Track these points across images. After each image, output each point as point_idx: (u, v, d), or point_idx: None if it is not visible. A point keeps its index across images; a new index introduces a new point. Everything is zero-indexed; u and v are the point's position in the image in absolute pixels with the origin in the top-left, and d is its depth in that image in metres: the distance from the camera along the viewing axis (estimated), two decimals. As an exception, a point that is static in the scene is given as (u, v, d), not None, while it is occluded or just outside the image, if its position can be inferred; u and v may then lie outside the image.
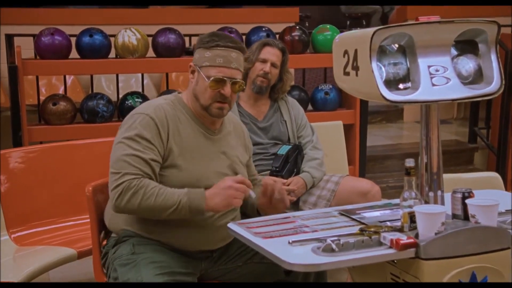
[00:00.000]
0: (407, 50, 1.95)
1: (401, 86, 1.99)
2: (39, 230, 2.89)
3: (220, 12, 5.41)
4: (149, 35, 3.99)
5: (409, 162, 1.95)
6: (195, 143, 2.20)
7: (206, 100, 2.19)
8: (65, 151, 3.10)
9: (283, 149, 3.09)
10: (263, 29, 4.17)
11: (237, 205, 2.07)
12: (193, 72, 2.23)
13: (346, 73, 2.02)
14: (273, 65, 3.14)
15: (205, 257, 2.25)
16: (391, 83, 1.95)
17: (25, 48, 3.97)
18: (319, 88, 4.26)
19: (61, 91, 4.50)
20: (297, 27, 4.27)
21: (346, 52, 2.00)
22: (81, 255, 2.71)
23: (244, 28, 4.26)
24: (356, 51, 1.94)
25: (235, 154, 2.32)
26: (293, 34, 4.18)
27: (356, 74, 1.96)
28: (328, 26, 4.24)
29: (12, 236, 2.83)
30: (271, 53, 3.14)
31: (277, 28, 4.28)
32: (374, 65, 1.86)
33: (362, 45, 1.90)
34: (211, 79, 2.15)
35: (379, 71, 1.93)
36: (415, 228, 1.88)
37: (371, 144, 4.99)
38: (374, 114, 6.04)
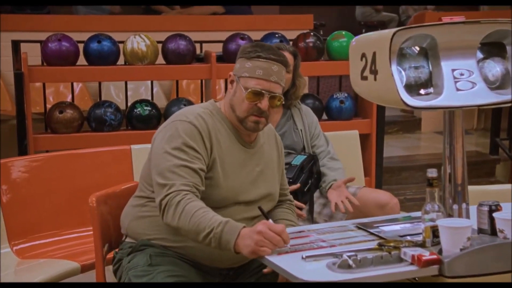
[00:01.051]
0: (430, 53, 1.85)
1: (422, 91, 1.89)
2: (42, 242, 2.82)
3: (232, 19, 5.35)
4: (158, 42, 3.93)
5: (432, 172, 1.84)
6: (234, 155, 2.14)
7: (242, 112, 2.12)
8: (69, 160, 3.03)
9: (298, 159, 2.99)
10: (276, 35, 4.09)
11: (264, 254, 1.84)
12: (232, 82, 2.17)
13: (364, 78, 1.92)
14: None
15: (221, 275, 2.17)
16: (412, 88, 1.85)
17: (33, 55, 3.92)
18: (334, 96, 4.17)
19: (69, 99, 4.44)
20: (312, 33, 4.19)
21: (363, 55, 1.91)
22: (84, 268, 2.64)
23: (257, 36, 4.19)
24: (374, 54, 1.85)
25: (271, 167, 2.25)
26: (307, 40, 4.09)
27: (375, 79, 1.86)
28: (343, 33, 4.16)
29: (14, 248, 2.76)
30: None
31: (291, 35, 4.21)
32: (394, 68, 1.77)
33: (381, 47, 1.80)
34: (248, 90, 2.09)
35: (399, 75, 1.83)
36: (438, 243, 1.79)
37: (388, 155, 4.89)
38: (391, 124, 5.95)
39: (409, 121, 6.15)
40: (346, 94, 4.16)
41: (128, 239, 2.19)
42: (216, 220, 1.91)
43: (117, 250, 2.23)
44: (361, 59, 1.92)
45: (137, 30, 3.96)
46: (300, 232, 2.07)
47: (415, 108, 1.80)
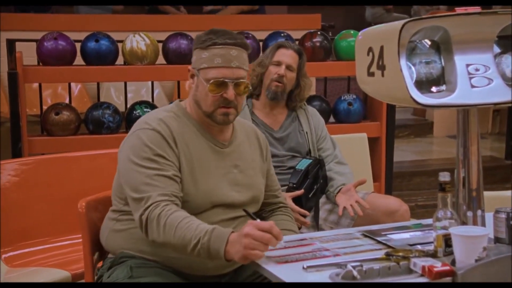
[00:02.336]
0: (442, 47, 1.74)
1: (433, 89, 1.78)
2: (32, 250, 2.73)
3: (237, 19, 5.25)
4: (159, 41, 3.83)
5: (444, 176, 1.73)
6: (204, 157, 2.03)
7: (208, 106, 2.01)
8: (63, 164, 2.94)
9: (303, 164, 2.88)
10: (282, 34, 3.99)
11: (256, 259, 1.73)
12: (192, 76, 2.07)
13: (371, 74, 1.81)
14: (288, 68, 2.95)
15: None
16: (422, 85, 1.74)
17: (29, 55, 3.84)
18: (342, 98, 4.06)
19: (67, 101, 4.35)
20: (319, 32, 4.08)
21: (370, 49, 1.80)
22: (75, 277, 2.55)
23: (263, 35, 4.08)
24: (382, 48, 1.74)
25: (251, 167, 2.14)
26: (314, 40, 3.99)
27: (382, 74, 1.75)
28: (351, 32, 4.04)
29: (3, 256, 2.66)
30: (286, 55, 2.95)
31: (298, 35, 4.10)
32: (403, 62, 1.65)
33: (389, 40, 1.69)
34: (210, 82, 1.98)
35: (409, 71, 1.72)
36: (451, 253, 1.68)
37: (398, 160, 4.81)
38: (401, 128, 5.86)
39: (421, 125, 6.07)
40: (354, 96, 4.05)
41: (110, 255, 2.10)
42: (201, 229, 1.79)
43: (99, 266, 2.13)
44: (368, 54, 1.81)
45: (137, 29, 3.86)
46: (301, 240, 1.96)
47: (426, 106, 1.69)
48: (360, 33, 1.95)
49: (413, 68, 1.77)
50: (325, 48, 3.99)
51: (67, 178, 2.88)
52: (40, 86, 3.92)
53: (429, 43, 1.79)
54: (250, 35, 3.96)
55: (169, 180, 1.92)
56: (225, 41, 1.98)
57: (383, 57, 1.74)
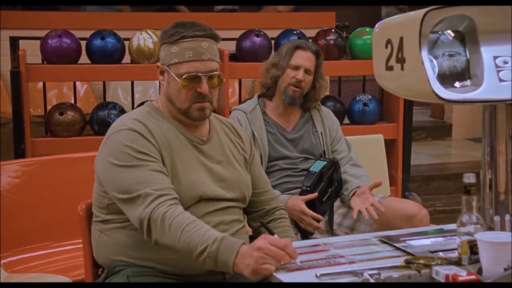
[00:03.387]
0: (467, 38, 1.63)
1: (457, 84, 1.68)
2: (33, 255, 2.65)
3: (247, 17, 5.17)
4: (167, 39, 3.75)
5: (469, 178, 1.62)
6: (184, 154, 1.97)
7: (182, 102, 1.95)
8: (65, 165, 2.85)
9: (317, 166, 2.78)
10: (294, 32, 3.89)
11: (266, 274, 1.62)
12: (162, 73, 2.00)
13: (389, 68, 1.71)
14: (306, 71, 2.83)
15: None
16: (445, 79, 1.63)
17: (33, 54, 3.77)
18: (357, 98, 3.97)
19: (72, 101, 4.29)
20: (333, 30, 3.98)
21: (389, 41, 1.70)
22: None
23: (274, 34, 3.99)
24: (401, 39, 1.64)
25: (236, 162, 2.08)
26: (327, 38, 3.89)
27: (402, 68, 1.65)
28: (367, 29, 3.94)
29: (2, 261, 2.58)
30: (304, 58, 2.84)
31: (311, 34, 4.00)
32: (425, 54, 1.55)
33: (410, 30, 1.59)
34: (183, 77, 1.92)
35: (430, 65, 1.61)
36: (477, 261, 1.58)
37: (415, 163, 4.71)
38: (418, 130, 5.76)
39: (439, 127, 5.98)
40: (370, 96, 3.96)
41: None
42: (210, 236, 1.70)
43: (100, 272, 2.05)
44: (386, 47, 1.71)
45: (145, 27, 3.78)
46: (314, 246, 1.86)
47: (449, 102, 1.58)
48: (377, 25, 1.85)
49: (435, 61, 1.66)
50: (339, 46, 3.90)
51: (70, 180, 2.80)
52: (44, 85, 3.86)
53: (453, 34, 1.69)
54: (262, 33, 3.87)
55: (159, 174, 1.86)
56: (194, 33, 1.92)
57: (402, 49, 1.64)
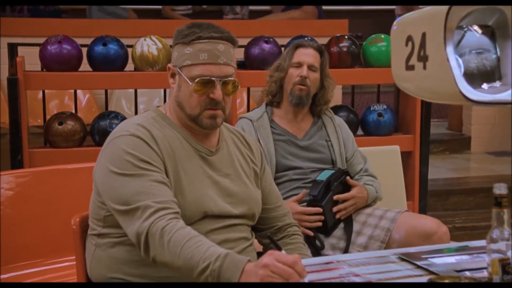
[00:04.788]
0: (497, 33, 1.50)
1: (485, 86, 1.54)
2: (25, 272, 2.51)
3: (256, 24, 5.08)
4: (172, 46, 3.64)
5: (500, 188, 1.48)
6: (190, 165, 1.85)
7: (193, 108, 1.84)
8: (63, 176, 2.72)
9: (324, 174, 2.66)
10: (306, 38, 3.76)
11: None
12: (173, 75, 1.89)
13: (409, 67, 1.58)
14: (310, 68, 2.74)
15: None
16: (473, 79, 1.50)
17: (33, 63, 3.68)
18: (371, 108, 3.84)
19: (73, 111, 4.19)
20: (346, 36, 3.86)
21: (409, 38, 1.57)
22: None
23: (285, 42, 3.88)
24: (424, 35, 1.51)
25: (245, 176, 1.96)
26: (340, 45, 3.78)
27: (424, 67, 1.52)
28: (382, 36, 3.83)
29: (-8, 279, 2.46)
30: (306, 54, 2.75)
31: (323, 42, 3.88)
32: (450, 49, 1.42)
33: (434, 24, 1.46)
34: (195, 81, 1.80)
35: (456, 63, 1.48)
36: (511, 281, 1.44)
37: (433, 177, 4.58)
38: (435, 143, 5.63)
39: (457, 140, 5.84)
40: (385, 106, 3.83)
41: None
42: (213, 253, 1.58)
43: None
44: (406, 44, 1.58)
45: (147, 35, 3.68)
46: (327, 263, 1.74)
47: (478, 104, 1.45)
48: (395, 22, 1.72)
49: (460, 60, 1.53)
50: (352, 53, 3.78)
51: (66, 193, 2.67)
52: (43, 93, 3.77)
53: (480, 31, 1.55)
54: (271, 39, 3.77)
55: (161, 185, 1.74)
56: (210, 34, 1.82)
57: (425, 46, 1.50)
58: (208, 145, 1.91)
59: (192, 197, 1.82)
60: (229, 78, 1.83)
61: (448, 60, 1.43)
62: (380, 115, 3.80)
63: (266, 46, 3.72)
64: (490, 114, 5.80)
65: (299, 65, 2.73)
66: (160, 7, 6.17)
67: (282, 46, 3.81)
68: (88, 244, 1.93)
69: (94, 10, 5.29)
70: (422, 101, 3.75)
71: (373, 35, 3.86)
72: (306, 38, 3.44)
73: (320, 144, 2.76)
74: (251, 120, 2.73)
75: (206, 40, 1.81)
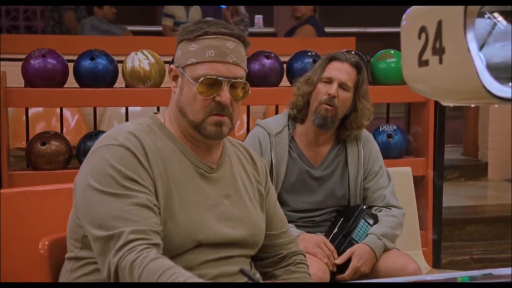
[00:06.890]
0: (525, 21, 1.33)
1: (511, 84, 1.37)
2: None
3: (258, 41, 4.94)
4: (166, 62, 3.50)
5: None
6: (184, 184, 1.67)
7: (196, 113, 1.65)
8: (41, 198, 2.53)
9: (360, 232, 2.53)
10: (309, 53, 3.62)
11: None
12: (175, 78, 1.71)
13: (423, 63, 1.40)
14: (341, 86, 2.49)
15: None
16: (499, 74, 1.32)
17: (16, 82, 3.54)
18: (380, 129, 3.67)
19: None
20: (353, 51, 3.69)
21: (423, 29, 1.40)
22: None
23: (286, 59, 3.74)
24: (440, 23, 1.34)
25: (247, 197, 1.78)
26: (347, 60, 3.61)
27: (440, 61, 1.34)
28: (391, 52, 3.67)
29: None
30: (340, 70, 2.50)
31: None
32: (471, 37, 1.24)
33: (452, 11, 1.29)
34: (200, 80, 1.62)
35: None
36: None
37: (447, 205, 4.39)
38: (450, 169, 5.50)
39: (473, 166, 5.73)
40: (395, 127, 3.66)
41: None
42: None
43: None
44: (419, 37, 1.41)
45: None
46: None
47: (504, 101, 1.27)
48: (404, 16, 1.55)
49: (481, 54, 1.36)
50: (360, 70, 3.62)
51: (46, 216, 2.48)
52: (26, 112, 3.61)
53: (504, 24, 1.39)
54: (272, 55, 3.61)
55: (145, 210, 1.56)
56: (219, 30, 1.65)
57: (441, 36, 1.33)
58: (209, 161, 1.73)
59: (184, 222, 1.64)
60: (239, 80, 1.65)
61: (468, 49, 1.25)
62: (389, 136, 3.63)
63: (267, 62, 3.56)
64: (508, 138, 5.65)
65: (329, 81, 2.50)
66: (160, 28, 6.09)
67: (284, 62, 3.67)
68: (62, 271, 1.77)
69: (86, 29, 5.17)
70: (435, 121, 3.59)
71: (382, 51, 3.71)
72: (344, 50, 3.29)
73: (336, 175, 2.57)
74: (269, 134, 2.51)
75: (213, 36, 1.64)
